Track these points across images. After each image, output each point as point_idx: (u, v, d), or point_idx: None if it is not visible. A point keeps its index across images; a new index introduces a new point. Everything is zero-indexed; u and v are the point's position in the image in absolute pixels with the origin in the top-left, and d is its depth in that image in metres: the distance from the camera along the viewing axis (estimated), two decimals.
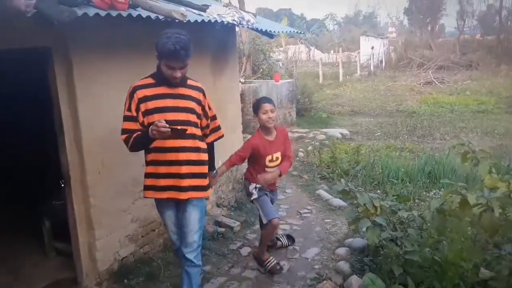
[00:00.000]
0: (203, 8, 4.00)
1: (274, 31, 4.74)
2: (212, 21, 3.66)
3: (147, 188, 2.93)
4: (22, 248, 4.09)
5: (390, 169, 5.78)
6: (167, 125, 2.59)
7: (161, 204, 2.99)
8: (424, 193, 5.14)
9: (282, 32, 5.37)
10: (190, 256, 2.86)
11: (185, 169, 2.81)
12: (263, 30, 4.47)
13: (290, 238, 4.28)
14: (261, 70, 12.25)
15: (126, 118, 2.81)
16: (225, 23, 3.81)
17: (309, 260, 3.94)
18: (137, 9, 3.03)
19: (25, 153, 4.74)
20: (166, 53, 2.63)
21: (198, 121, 2.92)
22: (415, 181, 5.43)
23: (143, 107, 2.76)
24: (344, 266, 3.61)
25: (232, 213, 4.89)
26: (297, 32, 5.65)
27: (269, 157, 3.62)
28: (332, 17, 45.61)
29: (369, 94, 17.16)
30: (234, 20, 3.90)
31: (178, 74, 2.73)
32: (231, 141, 4.81)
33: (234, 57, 5.15)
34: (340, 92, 18.26)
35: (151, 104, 2.76)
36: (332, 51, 35.01)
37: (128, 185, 3.61)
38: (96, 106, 3.33)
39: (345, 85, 19.70)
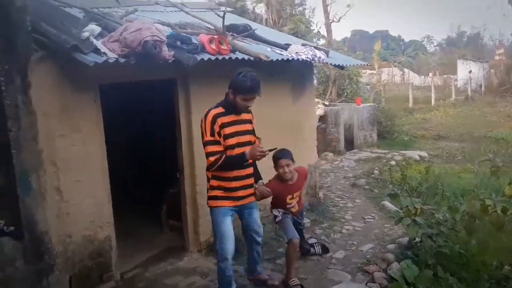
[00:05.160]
0: (285, 47, 5.19)
1: (343, 65, 5.77)
2: (290, 59, 4.80)
3: (237, 198, 3.50)
4: (146, 224, 5.43)
5: (451, 186, 6.36)
6: (268, 150, 3.32)
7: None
8: None
9: (350, 65, 6.35)
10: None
11: (250, 181, 3.56)
12: (333, 64, 5.52)
13: (325, 248, 4.74)
14: (345, 93, 13.14)
15: (211, 142, 3.29)
16: (300, 60, 4.91)
17: (363, 252, 4.80)
18: (236, 52, 4.29)
19: (153, 155, 6.21)
20: (245, 89, 3.20)
21: (253, 139, 3.56)
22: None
23: (222, 132, 3.28)
24: (390, 256, 4.43)
25: (305, 213, 5.87)
26: (366, 64, 6.59)
27: (289, 196, 4.10)
28: (429, 40, 44.41)
29: (460, 120, 17.02)
30: (308, 57, 5.00)
31: (251, 104, 3.34)
32: (302, 155, 5.80)
33: (311, 85, 6.23)
34: (430, 116, 18.31)
35: (228, 130, 3.29)
36: (430, 74, 34.33)
37: None
38: None
39: (437, 110, 19.62)
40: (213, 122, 3.26)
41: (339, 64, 5.64)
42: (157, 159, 6.00)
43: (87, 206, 3.72)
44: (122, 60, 3.38)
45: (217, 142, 3.28)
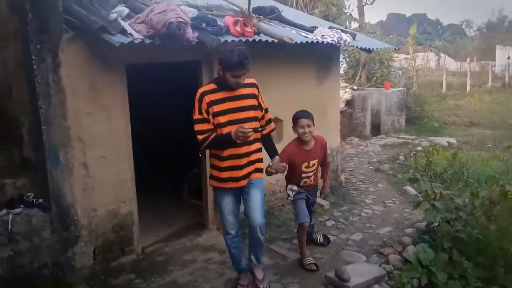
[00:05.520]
0: (311, 30, 5.19)
1: (371, 48, 5.72)
2: (315, 42, 4.82)
3: (226, 180, 3.30)
4: (167, 202, 5.60)
5: (476, 173, 6.28)
6: (252, 130, 3.04)
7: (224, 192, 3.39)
8: None
9: (378, 49, 6.27)
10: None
11: (249, 159, 3.30)
12: (359, 47, 5.49)
13: (326, 238, 4.59)
14: (375, 78, 12.95)
15: (200, 121, 3.16)
16: (325, 43, 4.92)
17: (381, 234, 4.85)
18: (260, 35, 4.34)
19: (175, 136, 6.38)
20: (233, 65, 3.01)
21: (257, 114, 3.32)
22: None
23: (211, 110, 3.14)
24: (406, 239, 4.48)
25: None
26: (395, 48, 6.48)
27: (305, 164, 3.93)
28: (467, 24, 42.76)
29: (495, 107, 16.50)
30: (333, 40, 4.99)
31: (241, 80, 3.13)
32: (327, 138, 5.87)
33: (337, 68, 6.20)
34: (464, 103, 17.83)
35: (217, 108, 3.14)
36: (467, 60, 33.23)
37: None
38: None
39: (471, 96, 19.08)
40: (200, 100, 3.17)
41: (366, 48, 5.60)
42: (175, 141, 6.17)
43: (111, 182, 3.91)
44: (147, 41, 3.51)
45: (205, 120, 3.16)
